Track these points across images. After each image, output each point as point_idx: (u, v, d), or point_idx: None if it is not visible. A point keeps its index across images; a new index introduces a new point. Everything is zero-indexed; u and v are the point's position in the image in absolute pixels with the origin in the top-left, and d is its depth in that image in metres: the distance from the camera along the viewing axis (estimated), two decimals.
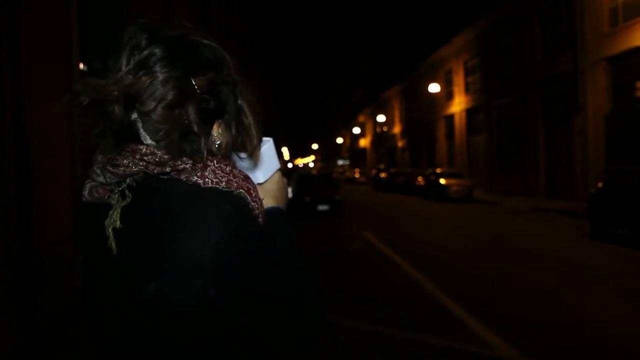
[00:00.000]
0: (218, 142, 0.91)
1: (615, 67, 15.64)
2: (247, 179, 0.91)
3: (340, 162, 74.17)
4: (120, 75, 0.80)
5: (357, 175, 48.08)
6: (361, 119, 61.75)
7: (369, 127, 57.75)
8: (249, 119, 0.94)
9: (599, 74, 16.13)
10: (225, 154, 0.91)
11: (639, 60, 14.49)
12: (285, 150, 58.22)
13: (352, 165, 63.87)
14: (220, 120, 0.91)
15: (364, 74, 59.60)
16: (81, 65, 5.91)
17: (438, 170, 23.33)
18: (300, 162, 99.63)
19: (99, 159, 0.88)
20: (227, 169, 0.88)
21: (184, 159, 0.84)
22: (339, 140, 78.15)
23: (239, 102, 0.94)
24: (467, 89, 27.62)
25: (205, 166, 0.86)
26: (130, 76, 0.81)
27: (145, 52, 0.82)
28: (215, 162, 0.87)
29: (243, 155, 0.97)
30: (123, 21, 7.20)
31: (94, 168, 0.89)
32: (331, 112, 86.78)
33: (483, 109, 25.13)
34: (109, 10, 7.00)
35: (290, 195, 1.17)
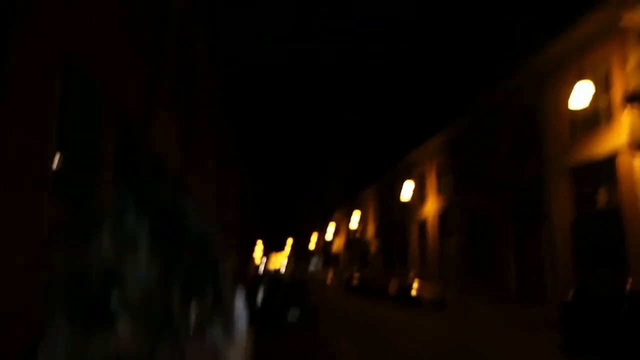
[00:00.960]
0: (195, 321, 0.87)
1: (577, 176, 16.36)
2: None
3: (313, 261, 73.43)
4: (100, 248, 0.78)
5: (329, 277, 47.43)
6: (335, 219, 62.16)
7: (343, 227, 58.00)
8: (228, 298, 0.92)
9: (562, 183, 16.82)
10: (202, 334, 0.88)
11: (598, 171, 15.23)
12: (259, 244, 57.60)
13: (325, 265, 63.23)
14: (198, 299, 0.88)
15: (341, 174, 60.90)
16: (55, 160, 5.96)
17: (411, 275, 23.37)
18: (274, 257, 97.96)
19: None
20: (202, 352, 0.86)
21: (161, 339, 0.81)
22: (313, 238, 77.96)
23: (220, 281, 0.92)
24: (440, 192, 28.34)
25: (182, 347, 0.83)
26: (111, 250, 0.79)
27: (130, 224, 0.80)
28: (190, 344, 0.84)
29: (217, 332, 0.93)
30: (103, 120, 7.40)
31: None
32: (307, 210, 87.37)
33: (455, 212, 25.66)
34: (89, 109, 7.16)
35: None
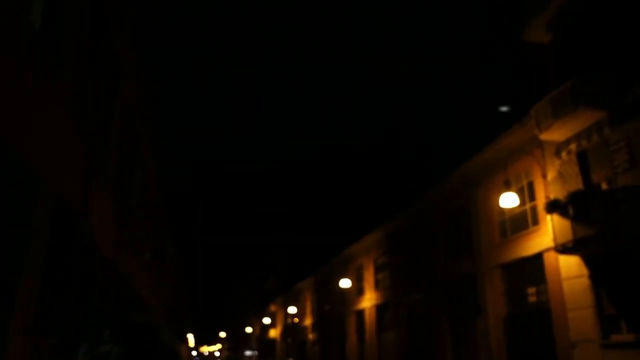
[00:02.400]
0: None
1: (508, 273, 17.07)
2: None
3: (248, 353, 70.39)
4: None
5: None
6: (272, 308, 60.62)
7: (280, 318, 56.53)
8: None
9: (495, 279, 17.45)
10: None
11: (526, 269, 15.99)
12: (190, 337, 54.88)
13: (261, 357, 60.72)
14: None
15: (278, 265, 60.26)
16: None
17: None
18: (206, 350, 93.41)
19: None
20: None
21: None
22: (248, 329, 75.23)
23: None
24: (377, 285, 28.51)
25: None
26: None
27: (106, 348, 0.91)
28: None
29: None
30: (37, 198, 7.26)
31: None
32: (243, 300, 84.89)
33: (392, 306, 25.76)
34: (23, 190, 7.03)
35: None
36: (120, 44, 12.07)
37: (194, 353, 69.57)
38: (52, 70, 7.56)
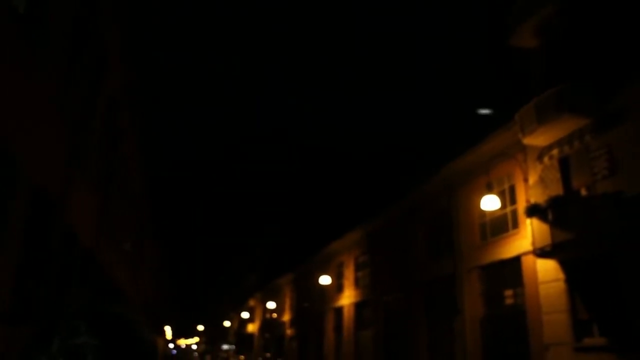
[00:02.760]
0: None
1: (486, 275, 17.25)
2: None
3: (225, 347, 70.19)
4: (51, 354, 0.86)
5: None
6: (251, 303, 60.51)
7: (259, 313, 56.46)
8: None
9: (473, 281, 17.62)
10: None
11: (505, 271, 16.19)
12: (168, 329, 54.59)
13: (238, 351, 60.58)
14: None
15: (258, 259, 60.10)
16: None
17: None
18: (183, 342, 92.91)
19: None
20: None
21: None
22: (227, 323, 75.02)
23: None
24: (357, 284, 28.60)
25: None
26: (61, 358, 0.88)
27: (82, 339, 0.89)
28: None
29: None
30: (15, 184, 7.14)
31: None
32: (221, 294, 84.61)
33: (371, 304, 25.88)
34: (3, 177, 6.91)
35: None
36: (105, 31, 11.90)
37: (171, 345, 69.22)
38: (34, 56, 7.43)
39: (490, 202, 14.55)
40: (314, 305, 34.91)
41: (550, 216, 13.03)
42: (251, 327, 60.29)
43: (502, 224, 16.60)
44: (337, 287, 31.14)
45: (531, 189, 15.10)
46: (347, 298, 29.33)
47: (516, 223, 15.83)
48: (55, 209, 9.21)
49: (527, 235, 14.67)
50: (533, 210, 13.66)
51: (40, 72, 7.71)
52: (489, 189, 14.90)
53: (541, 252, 13.47)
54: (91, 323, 0.91)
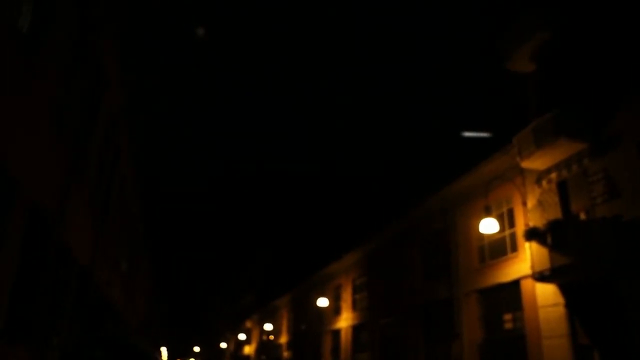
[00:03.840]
0: None
1: (485, 299, 17.12)
2: None
3: None
4: None
5: None
6: (248, 324, 59.92)
7: (255, 334, 55.87)
8: None
9: (472, 304, 17.49)
10: None
11: (504, 295, 16.07)
12: (164, 350, 53.91)
13: None
14: None
15: (255, 280, 59.70)
16: None
17: None
18: None
19: None
20: None
21: None
22: (223, 345, 74.17)
23: None
24: (355, 306, 28.37)
25: None
26: None
27: None
28: None
29: None
30: (14, 208, 7.11)
31: None
32: (218, 315, 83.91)
33: (368, 327, 25.64)
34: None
35: None
36: (105, 51, 12.00)
37: None
38: (36, 74, 7.48)
39: (488, 226, 14.51)
40: (311, 328, 34.57)
41: (549, 240, 12.98)
42: (248, 349, 59.59)
43: (501, 247, 16.54)
44: (335, 309, 30.89)
45: (530, 212, 15.09)
46: (345, 321, 29.06)
47: (515, 246, 15.78)
48: (51, 226, 9.18)
49: (526, 258, 14.61)
50: (532, 234, 13.63)
51: (40, 91, 7.76)
52: (487, 212, 14.86)
53: (540, 276, 13.39)
54: (110, 353, 0.91)
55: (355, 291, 28.69)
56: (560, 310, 13.48)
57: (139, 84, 16.29)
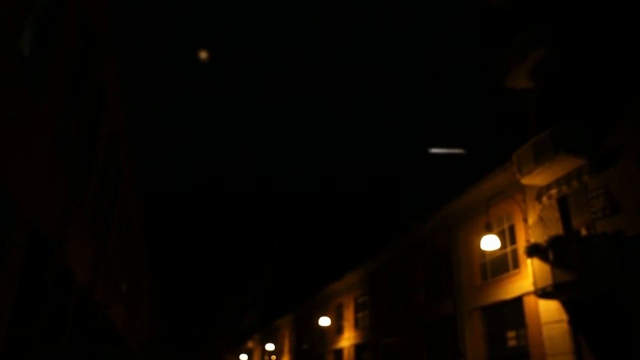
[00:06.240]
0: None
1: (488, 316, 16.98)
2: None
3: None
4: None
5: None
6: (250, 345, 59.35)
7: (257, 355, 55.30)
8: None
9: (475, 322, 17.34)
10: None
11: (507, 312, 15.94)
12: None
13: None
14: None
15: (257, 300, 59.29)
16: None
17: None
18: None
19: None
20: None
21: None
22: None
23: None
24: (357, 325, 28.14)
25: None
26: None
27: None
28: None
29: None
30: (15, 230, 7.11)
31: None
32: (219, 335, 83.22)
33: (371, 346, 25.39)
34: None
35: None
36: (106, 73, 12.10)
37: None
38: (36, 97, 7.53)
39: (490, 242, 14.45)
40: (313, 347, 34.24)
41: (550, 256, 12.93)
42: None
43: (503, 264, 16.47)
44: (337, 328, 30.63)
45: (531, 228, 15.05)
46: (347, 340, 28.79)
47: (517, 263, 15.71)
48: (52, 249, 9.17)
49: (528, 275, 14.53)
50: (533, 250, 13.57)
51: (40, 113, 7.81)
52: (488, 229, 14.82)
53: (543, 293, 13.30)
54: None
55: (357, 310, 28.48)
56: (564, 326, 13.36)
57: (139, 104, 16.38)
